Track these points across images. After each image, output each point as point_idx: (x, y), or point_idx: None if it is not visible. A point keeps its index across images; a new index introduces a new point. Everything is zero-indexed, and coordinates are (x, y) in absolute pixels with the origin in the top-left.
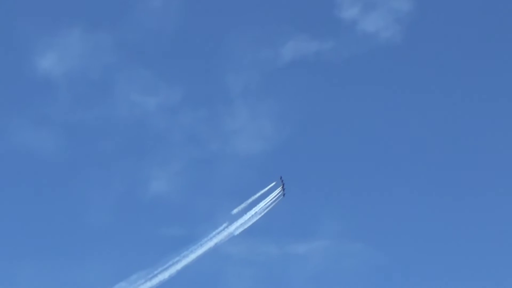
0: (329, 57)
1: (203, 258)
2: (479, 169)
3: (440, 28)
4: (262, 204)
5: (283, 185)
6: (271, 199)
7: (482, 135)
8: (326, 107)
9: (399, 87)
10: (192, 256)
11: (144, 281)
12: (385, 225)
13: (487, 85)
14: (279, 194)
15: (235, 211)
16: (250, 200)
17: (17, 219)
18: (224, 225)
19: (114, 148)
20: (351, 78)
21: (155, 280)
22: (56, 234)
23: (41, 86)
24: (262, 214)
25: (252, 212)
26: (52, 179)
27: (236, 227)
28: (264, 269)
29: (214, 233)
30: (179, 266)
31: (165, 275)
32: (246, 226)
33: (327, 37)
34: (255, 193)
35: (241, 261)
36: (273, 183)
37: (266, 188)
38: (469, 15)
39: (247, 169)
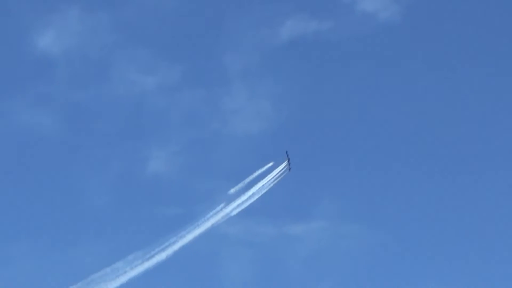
0: (328, 36)
1: (200, 238)
2: (478, 149)
3: (438, 9)
4: (267, 178)
5: (289, 159)
6: (277, 174)
7: (481, 115)
8: (324, 87)
9: (397, 67)
10: (189, 236)
11: (141, 261)
12: (382, 206)
13: (487, 65)
14: (285, 168)
15: (232, 191)
16: (247, 180)
17: (15, 199)
18: (222, 205)
19: (113, 128)
20: (349, 58)
21: (152, 260)
22: (54, 213)
23: (39, 64)
24: (267, 189)
25: (254, 189)
26: (50, 158)
27: (235, 206)
28: (261, 250)
29: (211, 213)
30: (176, 246)
31: (162, 255)
32: (246, 204)
33: (326, 17)
34: (252, 173)
35: (238, 242)
36: (271, 163)
37: (263, 168)
38: None
39: (245, 149)
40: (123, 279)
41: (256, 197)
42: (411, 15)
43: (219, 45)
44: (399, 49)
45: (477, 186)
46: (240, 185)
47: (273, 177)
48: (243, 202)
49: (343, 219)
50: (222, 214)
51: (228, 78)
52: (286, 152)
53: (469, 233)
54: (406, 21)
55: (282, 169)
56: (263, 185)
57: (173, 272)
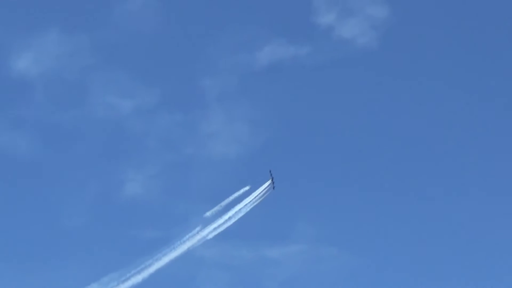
0: (306, 62)
1: (177, 261)
2: (456, 177)
3: (416, 35)
4: (249, 198)
5: (272, 178)
6: (261, 192)
7: (459, 140)
8: (302, 112)
9: (374, 93)
10: (165, 259)
11: (117, 283)
12: (360, 230)
13: (464, 90)
14: (269, 187)
15: (208, 214)
16: (223, 203)
17: None
18: (198, 228)
19: (90, 150)
20: (327, 83)
21: (128, 283)
22: (30, 236)
23: (17, 87)
24: (249, 209)
25: (232, 211)
26: (27, 181)
27: (211, 229)
28: (238, 273)
29: (188, 236)
30: (152, 269)
31: (138, 278)
32: (223, 227)
33: (303, 42)
34: (229, 197)
35: (214, 265)
36: (247, 187)
37: (240, 192)
38: (445, 22)
39: (222, 173)
40: None
41: (234, 219)
42: (389, 41)
43: (197, 69)
44: (376, 74)
45: (457, 210)
46: (216, 208)
47: (256, 196)
48: (220, 225)
49: (321, 243)
50: (198, 237)
51: (205, 102)
52: (270, 171)
53: (451, 258)
54: (384, 47)
55: (266, 188)
56: (243, 206)
57: None
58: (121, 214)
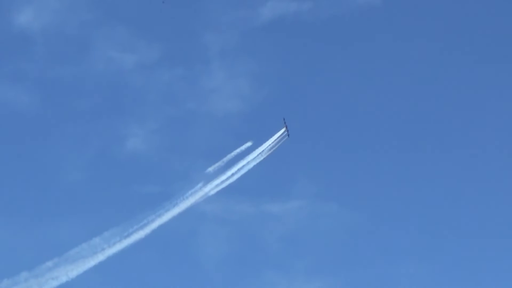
0: (308, 17)
1: (178, 216)
2: (456, 134)
3: None
4: (266, 144)
5: (287, 126)
6: (276, 140)
7: (465, 101)
8: (303, 68)
9: (377, 48)
10: (167, 214)
11: (119, 238)
12: (359, 187)
13: (464, 51)
14: (284, 134)
15: (210, 169)
16: (225, 159)
17: None
18: (200, 183)
19: (91, 105)
20: (329, 39)
21: (130, 238)
22: (30, 191)
23: (17, 41)
24: (266, 155)
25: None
26: (27, 135)
27: (213, 185)
28: (239, 228)
29: (189, 191)
30: (153, 224)
31: (140, 233)
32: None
33: None
34: (231, 153)
35: (215, 220)
36: (249, 143)
37: (242, 148)
38: None
39: (224, 129)
40: (101, 256)
41: (238, 175)
42: None
43: (199, 24)
44: (379, 30)
45: (457, 168)
46: (219, 163)
47: (271, 144)
48: (222, 181)
49: (321, 199)
50: (200, 192)
51: (207, 58)
52: (284, 119)
53: (446, 214)
54: (387, 2)
55: (281, 135)
56: (270, 144)
57: (150, 250)
58: (122, 169)
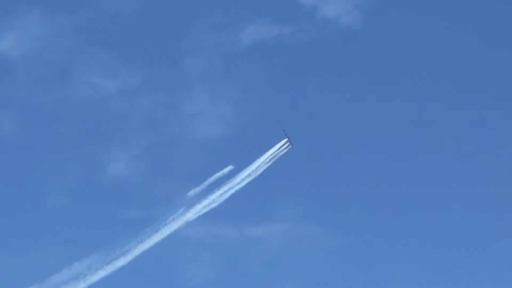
0: (289, 41)
1: (161, 241)
2: (440, 153)
3: (399, 16)
4: (269, 153)
5: (288, 138)
6: (279, 149)
7: (442, 121)
8: (285, 92)
9: (357, 73)
10: (150, 239)
11: (102, 264)
12: (343, 210)
13: (446, 70)
14: (287, 144)
15: (191, 193)
16: (207, 183)
17: None
18: (183, 208)
19: (73, 131)
20: (310, 63)
21: (113, 264)
22: (12, 216)
23: None
24: (269, 163)
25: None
26: (10, 162)
27: (196, 209)
28: (222, 252)
29: (172, 216)
30: (136, 249)
31: (122, 258)
32: (208, 207)
33: (287, 22)
34: (212, 176)
35: (199, 244)
36: (231, 167)
37: (223, 171)
38: (428, 3)
39: (206, 153)
40: (83, 282)
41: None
42: (372, 21)
43: (180, 49)
44: (359, 54)
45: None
46: (200, 187)
47: (274, 153)
48: (204, 205)
49: (304, 222)
50: (183, 217)
51: (188, 82)
52: (284, 131)
53: (432, 238)
54: (367, 27)
55: (283, 145)
56: (272, 153)
57: (134, 275)
58: (104, 195)
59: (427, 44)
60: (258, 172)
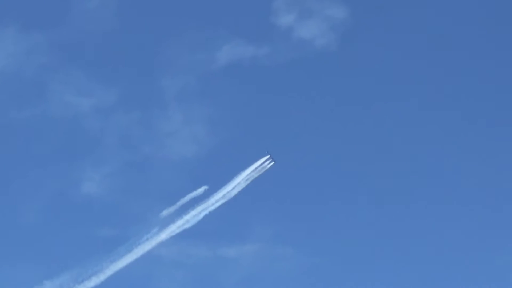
0: (265, 62)
1: (134, 260)
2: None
3: (374, 37)
4: (249, 170)
5: (270, 155)
6: (261, 165)
7: (415, 141)
8: (260, 112)
9: (332, 93)
10: (122, 258)
11: (73, 284)
12: (315, 231)
13: (421, 92)
14: (269, 161)
15: (164, 213)
16: (180, 203)
17: None
18: (156, 227)
19: (47, 149)
20: (285, 84)
21: (85, 283)
22: None
23: None
24: (248, 182)
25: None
26: None
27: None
28: (195, 272)
29: (145, 235)
30: (109, 268)
31: (95, 277)
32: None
33: (263, 43)
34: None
35: (172, 264)
36: (205, 187)
37: (197, 191)
38: (403, 24)
39: (180, 173)
40: None
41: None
42: (347, 42)
43: (155, 68)
44: (334, 75)
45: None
46: (173, 207)
47: (254, 171)
48: (178, 225)
49: (277, 242)
50: (156, 236)
51: (164, 101)
52: (267, 151)
53: (404, 257)
54: (342, 48)
55: (266, 162)
56: (253, 170)
57: None
58: (77, 213)
59: (402, 66)
60: (234, 193)
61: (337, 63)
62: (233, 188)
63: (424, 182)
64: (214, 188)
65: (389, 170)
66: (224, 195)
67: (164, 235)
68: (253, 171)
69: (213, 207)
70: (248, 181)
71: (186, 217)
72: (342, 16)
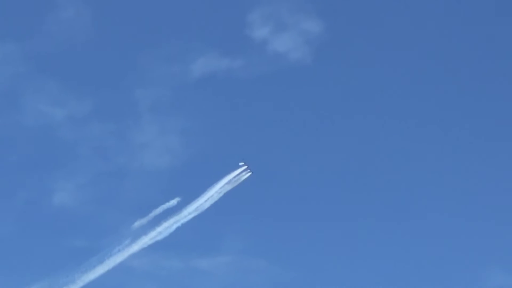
0: (239, 74)
1: (106, 271)
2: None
3: (348, 51)
4: (223, 182)
5: (248, 166)
6: (236, 177)
7: (392, 153)
8: (233, 125)
9: (306, 107)
10: (94, 269)
11: None
12: (288, 243)
13: (394, 106)
14: (246, 171)
15: (136, 224)
16: (152, 214)
17: None
18: (129, 238)
19: (20, 159)
20: (260, 96)
21: None
22: None
23: None
24: (221, 194)
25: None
26: None
27: (142, 240)
28: (168, 283)
29: (118, 246)
30: (81, 280)
31: None
32: (155, 239)
33: (237, 55)
34: (158, 208)
35: (144, 275)
36: (178, 199)
37: (169, 203)
38: (378, 39)
39: (153, 184)
40: None
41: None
42: (321, 56)
43: (130, 79)
44: (308, 89)
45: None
46: (146, 218)
47: (229, 181)
48: (150, 237)
49: (249, 255)
50: (128, 247)
51: (138, 112)
52: (244, 162)
53: (374, 271)
54: (316, 62)
55: (243, 173)
56: (230, 179)
57: None
58: (49, 223)
59: (375, 80)
60: (207, 205)
61: (311, 76)
62: (206, 200)
63: (402, 195)
64: (187, 199)
65: (365, 182)
66: (197, 207)
67: (136, 247)
68: (227, 183)
69: (186, 219)
70: (222, 193)
71: (159, 229)
72: (317, 30)
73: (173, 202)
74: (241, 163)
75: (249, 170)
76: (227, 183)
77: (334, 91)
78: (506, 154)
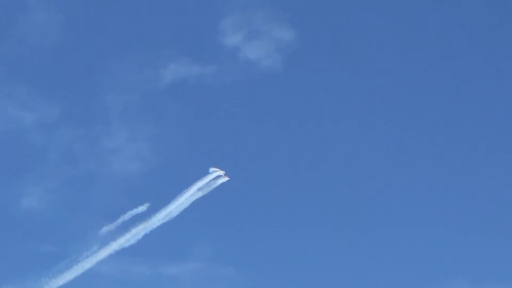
0: (210, 81)
1: (74, 277)
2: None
3: (320, 60)
4: (193, 188)
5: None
6: (210, 181)
7: (368, 161)
8: (204, 132)
9: (277, 115)
10: (62, 275)
11: None
12: (258, 251)
13: (366, 113)
14: (222, 177)
15: (104, 229)
16: (121, 220)
17: None
18: (97, 244)
19: None
20: (232, 103)
21: None
22: None
23: None
24: (191, 201)
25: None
26: None
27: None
28: None
29: (86, 251)
30: (48, 285)
31: None
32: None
33: (209, 62)
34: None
35: (112, 281)
36: (147, 204)
37: (138, 209)
38: (349, 48)
39: (123, 190)
40: None
41: (135, 237)
42: (293, 64)
43: (100, 85)
44: (278, 96)
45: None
46: (114, 224)
47: (200, 188)
48: (119, 242)
49: (218, 262)
50: (96, 253)
51: (108, 118)
52: (220, 168)
53: (349, 280)
54: (287, 70)
55: (215, 179)
56: (206, 183)
57: None
58: (17, 228)
59: (346, 89)
60: (176, 212)
61: (282, 84)
62: (176, 207)
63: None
64: (156, 206)
65: (335, 191)
66: (167, 213)
67: (104, 252)
68: (197, 189)
69: (154, 225)
70: (191, 200)
71: (127, 235)
72: (289, 38)
73: (142, 208)
74: (212, 169)
75: (226, 176)
76: (198, 190)
77: (304, 99)
78: (467, 163)
